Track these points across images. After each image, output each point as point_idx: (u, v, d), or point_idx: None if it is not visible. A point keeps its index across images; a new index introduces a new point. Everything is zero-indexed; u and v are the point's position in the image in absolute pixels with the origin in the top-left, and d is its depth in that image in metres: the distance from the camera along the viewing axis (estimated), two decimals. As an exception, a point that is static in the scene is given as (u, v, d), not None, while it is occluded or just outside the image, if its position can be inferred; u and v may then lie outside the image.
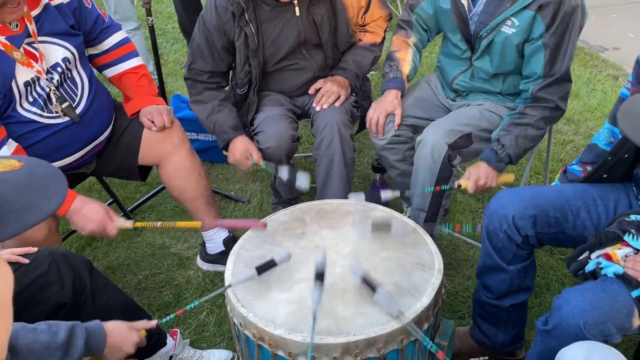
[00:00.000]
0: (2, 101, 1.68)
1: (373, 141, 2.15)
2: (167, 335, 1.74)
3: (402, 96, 2.11)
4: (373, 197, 2.53)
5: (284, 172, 2.01)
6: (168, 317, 1.49)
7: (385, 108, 2.06)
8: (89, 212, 1.72)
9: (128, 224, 1.74)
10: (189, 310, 1.56)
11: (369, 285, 1.34)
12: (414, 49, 2.16)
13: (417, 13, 2.11)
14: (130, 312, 1.62)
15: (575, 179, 1.68)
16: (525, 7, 1.81)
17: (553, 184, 1.73)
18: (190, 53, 2.16)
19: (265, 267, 1.44)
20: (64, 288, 1.47)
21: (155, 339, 1.68)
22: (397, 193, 1.94)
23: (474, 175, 1.87)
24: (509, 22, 1.86)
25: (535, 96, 1.87)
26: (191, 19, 3.06)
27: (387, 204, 1.75)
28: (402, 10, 2.20)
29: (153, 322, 1.44)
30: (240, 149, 2.08)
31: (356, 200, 1.74)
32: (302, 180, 1.98)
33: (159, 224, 1.76)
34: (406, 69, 2.12)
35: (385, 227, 1.57)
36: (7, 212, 0.51)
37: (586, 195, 1.55)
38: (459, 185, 1.87)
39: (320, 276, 1.38)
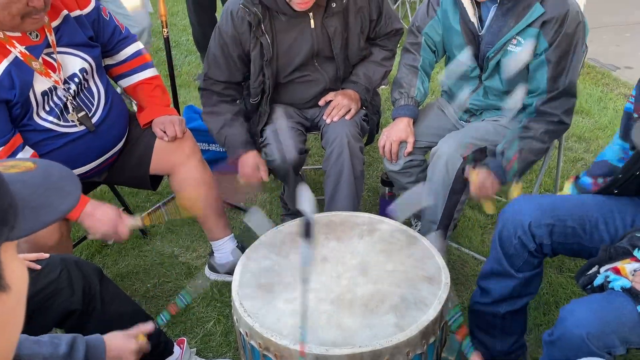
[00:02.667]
0: (20, 110, 1.71)
1: (386, 165, 2.16)
2: (175, 344, 1.75)
3: (414, 123, 2.09)
4: (382, 211, 2.55)
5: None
6: (163, 318, 1.51)
7: (397, 136, 2.05)
8: (101, 215, 1.75)
9: (137, 221, 1.79)
10: (180, 306, 1.55)
11: None
12: (423, 72, 2.14)
13: (425, 34, 2.10)
14: (139, 319, 1.62)
15: (586, 192, 1.68)
16: (529, 25, 1.83)
17: (565, 189, 1.72)
18: (206, 63, 2.19)
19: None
20: (74, 295, 1.49)
21: (162, 348, 1.69)
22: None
23: (484, 175, 1.85)
24: (514, 41, 1.87)
25: (538, 110, 1.89)
26: (205, 33, 3.11)
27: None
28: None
29: (149, 326, 1.44)
30: (251, 163, 2.11)
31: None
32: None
33: (164, 213, 1.79)
34: (417, 94, 2.10)
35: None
36: (23, 210, 0.52)
37: (605, 207, 1.54)
38: (469, 171, 1.86)
39: (307, 231, 1.07)
